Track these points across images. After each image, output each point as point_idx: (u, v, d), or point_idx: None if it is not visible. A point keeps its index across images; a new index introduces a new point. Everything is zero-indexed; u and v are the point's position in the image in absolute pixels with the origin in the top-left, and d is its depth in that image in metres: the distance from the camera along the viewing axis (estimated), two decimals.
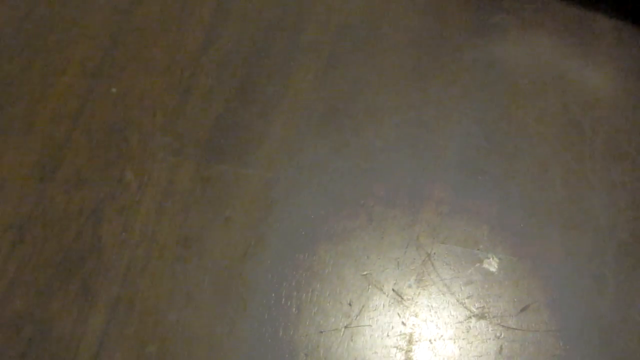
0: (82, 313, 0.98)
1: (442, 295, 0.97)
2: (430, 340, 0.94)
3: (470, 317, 0.96)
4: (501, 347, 0.94)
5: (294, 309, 0.97)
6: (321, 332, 0.95)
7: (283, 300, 0.97)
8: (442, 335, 0.95)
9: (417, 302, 0.97)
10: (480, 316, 0.95)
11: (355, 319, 0.96)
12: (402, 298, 0.97)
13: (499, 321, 0.95)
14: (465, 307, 0.96)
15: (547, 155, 1.07)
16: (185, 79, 1.16)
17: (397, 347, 0.94)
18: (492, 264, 0.99)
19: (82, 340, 0.96)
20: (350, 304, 0.97)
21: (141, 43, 1.19)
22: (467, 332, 0.95)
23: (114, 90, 1.16)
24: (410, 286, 0.98)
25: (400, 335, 0.95)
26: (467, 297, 0.97)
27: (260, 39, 1.18)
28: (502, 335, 0.94)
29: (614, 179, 1.04)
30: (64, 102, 1.15)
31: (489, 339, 0.94)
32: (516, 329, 0.95)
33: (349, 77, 1.15)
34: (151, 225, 1.04)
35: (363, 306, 0.97)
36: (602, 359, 0.93)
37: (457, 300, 0.97)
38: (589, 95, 1.12)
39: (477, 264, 0.99)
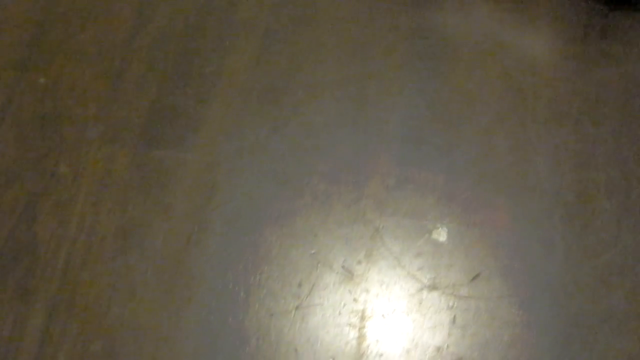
0: (19, 315, 0.94)
1: (392, 269, 0.95)
2: (383, 315, 0.93)
3: (422, 289, 0.94)
4: (454, 317, 0.92)
5: (242, 294, 0.94)
6: (272, 315, 0.92)
7: (230, 285, 0.94)
8: (394, 309, 0.93)
9: (367, 277, 0.95)
10: (432, 287, 0.94)
11: (306, 299, 0.93)
12: (352, 275, 0.95)
13: (451, 291, 0.94)
14: (417, 279, 0.95)
15: (491, 121, 1.06)
16: (117, 64, 1.11)
17: (349, 325, 0.92)
18: (441, 234, 0.97)
19: (21, 344, 0.92)
20: (299, 285, 0.94)
21: (68, 30, 1.14)
22: (420, 304, 0.93)
23: (42, 80, 1.10)
24: (360, 262, 0.96)
25: (352, 312, 0.93)
26: (418, 269, 0.95)
27: (193, 19, 1.14)
28: (455, 305, 0.93)
29: (557, 142, 1.04)
30: None
31: (442, 309, 0.93)
32: (468, 297, 0.93)
33: (286, 54, 1.12)
34: (88, 218, 0.99)
35: (313, 285, 0.94)
36: (556, 322, 0.92)
37: (408, 273, 0.95)
38: (529, 61, 1.11)
39: (426, 235, 0.97)
